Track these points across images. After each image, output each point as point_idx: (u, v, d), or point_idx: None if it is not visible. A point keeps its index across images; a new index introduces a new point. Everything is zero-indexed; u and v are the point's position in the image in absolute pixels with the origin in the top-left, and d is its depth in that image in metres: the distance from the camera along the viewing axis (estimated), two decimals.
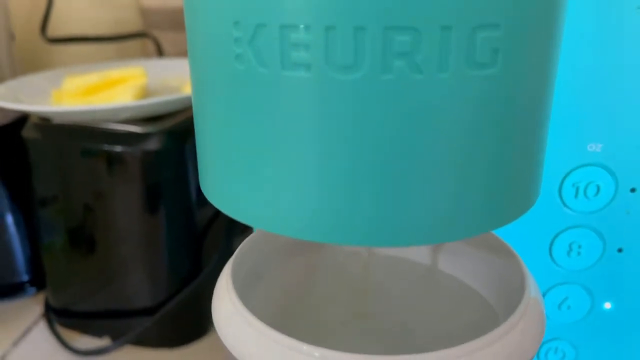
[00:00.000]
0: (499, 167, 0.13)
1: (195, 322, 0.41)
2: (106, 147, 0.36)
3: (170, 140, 0.36)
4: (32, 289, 0.45)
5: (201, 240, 0.40)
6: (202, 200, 0.40)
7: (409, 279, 0.20)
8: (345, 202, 0.12)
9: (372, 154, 0.12)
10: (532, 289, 0.16)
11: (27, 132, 0.38)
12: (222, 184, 0.14)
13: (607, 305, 0.23)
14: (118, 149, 0.36)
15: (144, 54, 0.57)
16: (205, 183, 0.15)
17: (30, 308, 0.44)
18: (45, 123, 0.38)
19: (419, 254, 0.20)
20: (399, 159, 0.12)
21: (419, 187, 0.12)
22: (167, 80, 0.44)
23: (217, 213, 0.41)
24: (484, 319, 0.18)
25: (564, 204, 0.22)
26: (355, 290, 0.20)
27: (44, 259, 0.43)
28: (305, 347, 0.13)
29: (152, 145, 0.36)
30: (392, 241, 0.12)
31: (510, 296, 0.17)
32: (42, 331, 0.41)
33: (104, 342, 0.40)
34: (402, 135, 0.12)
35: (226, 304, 0.15)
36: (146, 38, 0.54)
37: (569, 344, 0.24)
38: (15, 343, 0.40)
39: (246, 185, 0.13)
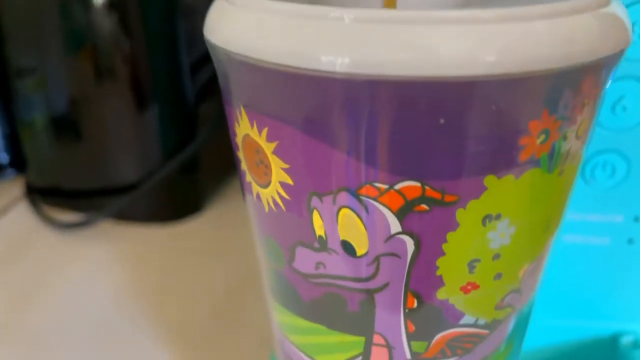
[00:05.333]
0: None
1: (188, 197, 0.38)
2: None
3: None
4: (12, 171, 0.41)
5: (194, 109, 0.37)
6: (195, 61, 0.36)
7: None
8: None
9: None
10: None
11: None
12: None
13: None
14: None
15: None
16: None
17: (9, 190, 0.41)
18: None
19: None
20: None
21: None
22: None
23: (213, 78, 0.37)
24: None
25: None
26: None
27: (23, 137, 0.39)
28: (333, 12, 0.10)
29: None
30: None
31: None
32: (23, 210, 0.38)
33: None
34: None
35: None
36: None
37: (621, 157, 0.21)
38: None
39: None
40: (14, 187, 0.41)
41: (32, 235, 0.36)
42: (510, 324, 0.14)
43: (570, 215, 0.22)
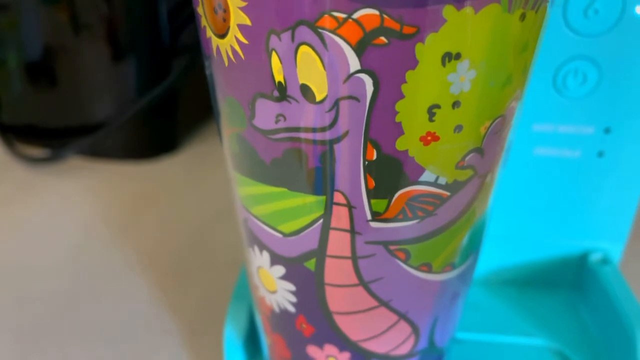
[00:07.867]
0: None
1: (164, 136, 0.37)
2: None
3: None
4: None
5: (170, 52, 0.36)
6: (173, 7, 0.35)
7: None
8: None
9: None
10: None
11: None
12: None
13: None
14: None
15: None
16: None
17: None
18: None
19: None
20: None
21: None
22: None
23: (191, 16, 0.37)
24: None
25: None
26: None
27: None
28: None
29: None
30: None
31: None
32: None
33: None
34: None
35: None
36: None
37: (592, 64, 0.21)
38: None
39: None
40: None
41: (4, 172, 0.35)
42: (472, 191, 0.14)
43: (541, 126, 0.22)
